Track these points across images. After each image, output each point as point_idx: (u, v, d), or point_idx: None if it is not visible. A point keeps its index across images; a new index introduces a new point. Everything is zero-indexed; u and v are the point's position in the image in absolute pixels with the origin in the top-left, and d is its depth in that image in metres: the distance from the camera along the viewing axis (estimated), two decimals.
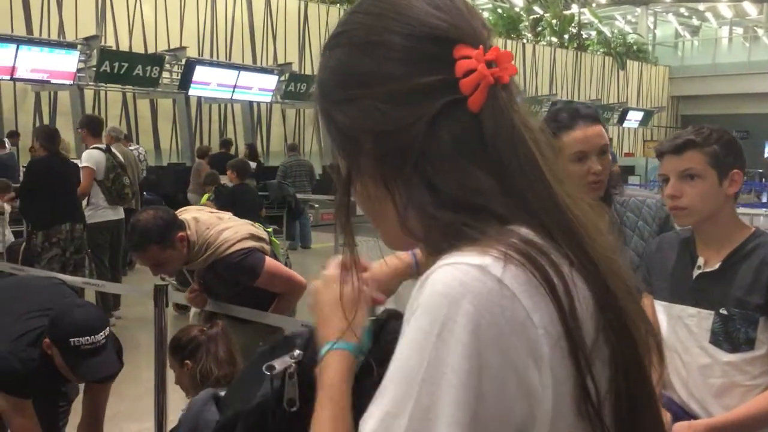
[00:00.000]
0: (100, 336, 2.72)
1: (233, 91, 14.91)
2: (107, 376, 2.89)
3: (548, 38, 25.91)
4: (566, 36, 26.31)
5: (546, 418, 0.71)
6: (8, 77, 11.97)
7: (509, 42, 22.62)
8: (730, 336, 1.97)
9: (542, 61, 23.92)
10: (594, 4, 28.56)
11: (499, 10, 25.34)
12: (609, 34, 29.10)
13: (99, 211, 6.88)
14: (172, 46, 14.80)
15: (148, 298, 3.49)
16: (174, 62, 14.21)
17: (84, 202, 6.87)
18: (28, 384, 2.77)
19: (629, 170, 20.86)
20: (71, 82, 12.74)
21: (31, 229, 6.69)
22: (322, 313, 0.97)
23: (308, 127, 17.94)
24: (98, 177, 6.81)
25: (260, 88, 15.43)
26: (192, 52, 14.93)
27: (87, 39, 13.03)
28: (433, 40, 0.78)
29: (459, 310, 0.68)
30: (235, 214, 3.49)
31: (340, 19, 0.86)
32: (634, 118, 25.23)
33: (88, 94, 14.11)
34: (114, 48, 13.88)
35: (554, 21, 25.87)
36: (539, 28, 26.08)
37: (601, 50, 27.09)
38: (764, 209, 12.75)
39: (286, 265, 3.58)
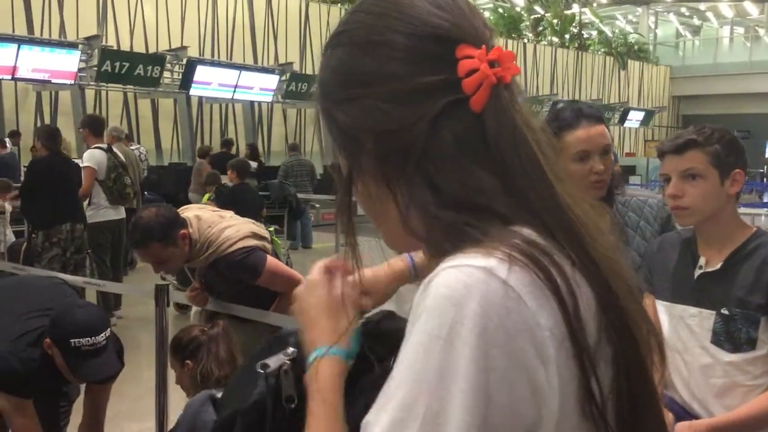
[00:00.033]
0: (101, 337, 2.72)
1: (234, 91, 14.92)
2: (107, 377, 2.89)
3: (549, 38, 25.91)
4: (567, 36, 26.32)
5: (552, 419, 0.70)
6: (9, 77, 12.00)
7: (510, 42, 22.63)
8: (731, 336, 1.97)
9: (543, 60, 23.92)
10: (595, 4, 28.56)
11: (500, 10, 25.36)
12: (610, 34, 29.11)
13: (100, 210, 6.89)
14: (173, 46, 14.81)
15: (149, 297, 3.49)
16: (175, 62, 14.22)
17: (85, 202, 6.88)
18: (29, 384, 2.77)
19: (630, 170, 20.85)
20: (72, 82, 12.76)
21: (32, 229, 6.69)
22: (308, 318, 0.96)
23: (309, 126, 17.95)
24: (100, 177, 6.82)
25: (261, 87, 15.44)
26: (193, 52, 14.95)
27: (88, 39, 13.04)
28: (435, 39, 0.78)
29: (465, 312, 0.68)
30: (236, 214, 3.49)
31: (342, 18, 0.86)
32: (635, 118, 25.23)
33: (89, 93, 14.12)
34: (115, 48, 13.90)
35: (555, 21, 25.87)
36: (540, 28, 26.09)
37: (602, 50, 27.09)
38: (765, 209, 12.74)
39: (287, 264, 3.58)
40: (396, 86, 0.78)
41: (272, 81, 15.55)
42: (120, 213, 7.02)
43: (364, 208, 0.86)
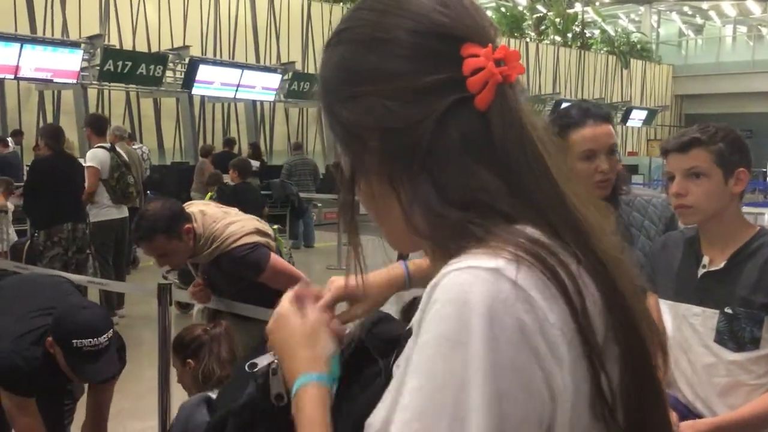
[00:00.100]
0: (103, 338, 2.71)
1: (236, 90, 14.92)
2: (108, 378, 2.89)
3: (551, 37, 25.89)
4: (570, 35, 26.29)
5: (566, 418, 0.70)
6: (12, 76, 12.02)
7: (512, 41, 22.61)
8: (735, 335, 1.96)
9: (545, 59, 23.90)
10: (597, 3, 28.53)
11: (503, 9, 25.34)
12: (612, 33, 29.09)
13: (103, 210, 6.89)
14: (175, 45, 14.82)
15: (151, 296, 3.49)
16: (177, 61, 14.23)
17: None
18: (32, 382, 2.77)
19: (633, 169, 20.80)
20: (75, 81, 12.78)
21: (34, 228, 6.70)
22: (284, 350, 0.96)
23: (311, 126, 17.96)
24: (103, 176, 6.83)
25: (263, 87, 15.45)
26: (195, 51, 14.96)
27: (90, 38, 13.06)
28: (439, 36, 0.78)
29: (477, 315, 0.67)
30: None
31: (344, 16, 0.85)
32: (637, 116, 25.21)
33: (92, 93, 14.13)
34: (117, 47, 13.92)
35: (557, 20, 25.84)
36: (542, 27, 26.07)
37: (605, 49, 27.07)
38: None
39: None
40: (401, 84, 0.77)
41: (274, 80, 15.56)
42: (123, 212, 7.03)
43: (366, 206, 0.85)
